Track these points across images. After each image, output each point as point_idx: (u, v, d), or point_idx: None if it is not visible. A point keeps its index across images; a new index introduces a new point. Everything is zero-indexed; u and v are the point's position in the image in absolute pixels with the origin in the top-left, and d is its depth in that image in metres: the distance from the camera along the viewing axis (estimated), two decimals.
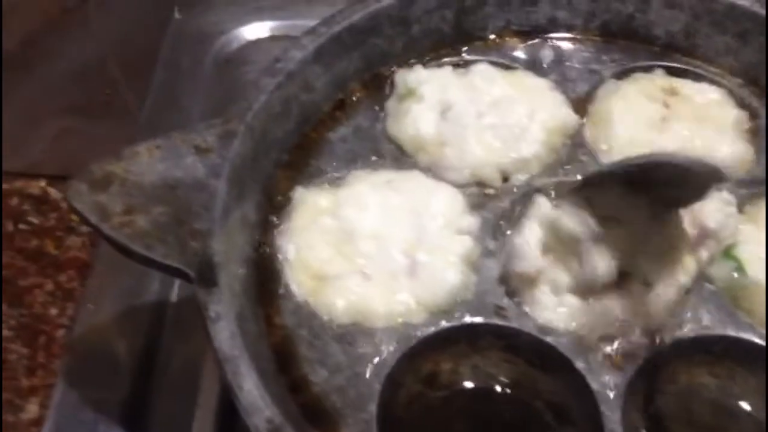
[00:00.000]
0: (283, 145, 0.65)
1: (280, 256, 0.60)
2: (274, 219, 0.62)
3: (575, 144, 0.67)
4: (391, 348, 0.56)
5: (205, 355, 0.69)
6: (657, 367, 0.56)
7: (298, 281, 0.58)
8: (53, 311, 1.31)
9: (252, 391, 0.48)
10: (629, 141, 0.67)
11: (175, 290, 0.74)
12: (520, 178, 0.65)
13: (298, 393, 0.53)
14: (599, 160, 0.66)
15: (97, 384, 0.69)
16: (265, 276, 0.59)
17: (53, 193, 1.47)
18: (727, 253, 0.60)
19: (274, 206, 0.62)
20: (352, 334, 0.56)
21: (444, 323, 0.57)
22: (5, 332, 1.29)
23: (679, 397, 0.57)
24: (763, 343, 0.56)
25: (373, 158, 0.66)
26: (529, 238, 0.58)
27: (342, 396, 0.53)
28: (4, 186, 1.47)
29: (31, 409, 1.21)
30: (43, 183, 1.47)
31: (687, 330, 0.57)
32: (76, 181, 0.56)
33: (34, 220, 1.44)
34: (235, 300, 0.53)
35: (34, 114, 1.46)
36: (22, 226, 1.42)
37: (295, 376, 0.54)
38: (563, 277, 0.57)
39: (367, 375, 0.54)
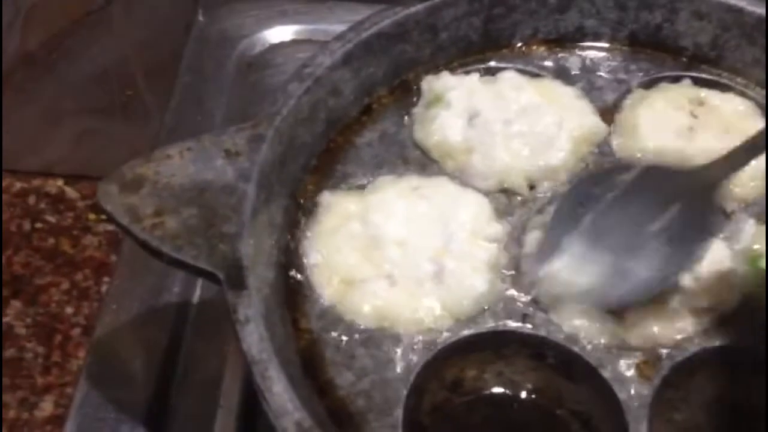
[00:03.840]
0: (311, 149, 0.65)
1: (307, 262, 0.60)
2: (302, 223, 0.62)
3: (602, 153, 0.67)
4: (417, 353, 0.56)
5: (227, 356, 0.69)
6: (684, 377, 0.56)
7: (325, 286, 0.59)
8: (69, 310, 1.32)
9: (281, 394, 0.48)
10: (656, 150, 0.67)
11: (197, 291, 0.74)
12: (546, 186, 0.65)
13: (324, 396, 0.53)
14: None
15: (119, 384, 0.69)
16: (293, 281, 0.59)
17: (70, 192, 1.48)
18: (753, 264, 0.60)
19: (301, 210, 0.62)
20: (377, 339, 0.56)
21: (469, 330, 0.57)
22: (21, 330, 1.30)
23: (706, 409, 0.57)
24: None
25: (400, 164, 0.66)
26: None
27: (368, 400, 0.53)
28: (23, 185, 1.48)
29: (46, 407, 1.22)
30: (60, 182, 1.48)
31: (714, 341, 0.57)
32: (106, 183, 0.56)
33: (51, 219, 1.45)
34: (262, 303, 0.53)
35: (54, 114, 1.47)
36: (38, 225, 1.42)
37: (321, 379, 0.54)
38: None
39: (393, 380, 0.54)
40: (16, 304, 1.34)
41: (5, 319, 1.29)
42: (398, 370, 0.55)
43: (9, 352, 1.27)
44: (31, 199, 1.46)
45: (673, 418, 0.56)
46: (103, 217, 1.57)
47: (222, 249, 0.54)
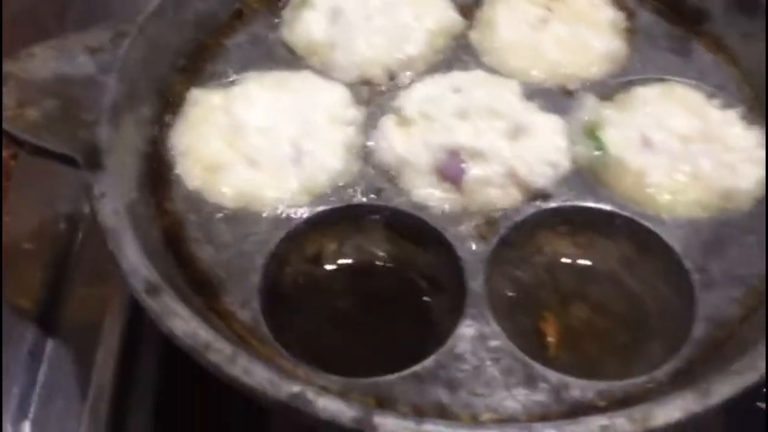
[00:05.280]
0: (179, 50, 0.68)
1: (173, 150, 0.63)
2: (169, 118, 0.65)
3: (460, 46, 0.71)
4: (276, 228, 0.60)
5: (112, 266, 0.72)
6: (520, 237, 0.61)
7: (189, 172, 0.62)
8: None
9: (132, 257, 0.52)
10: (510, 42, 0.71)
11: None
12: (406, 76, 0.69)
13: (185, 267, 0.57)
14: (481, 60, 0.70)
15: (12, 290, 0.72)
16: (158, 168, 0.62)
17: None
18: (591, 134, 0.65)
19: (169, 106, 0.66)
20: (239, 218, 0.60)
21: (326, 206, 0.61)
22: None
23: (544, 267, 0.62)
24: (620, 211, 0.61)
25: (268, 62, 0.70)
26: (388, 130, 0.63)
27: (227, 269, 0.58)
28: None
29: None
30: None
31: (549, 203, 0.61)
32: None
33: None
34: (124, 186, 0.57)
35: None
36: None
37: (182, 253, 0.58)
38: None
39: (252, 251, 0.59)
40: None
41: None
42: (257, 243, 0.59)
43: None
44: None
45: (514, 275, 0.61)
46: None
47: (81, 135, 0.57)
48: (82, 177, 0.77)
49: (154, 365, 0.65)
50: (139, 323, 0.67)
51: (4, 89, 0.59)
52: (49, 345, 0.68)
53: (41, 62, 0.61)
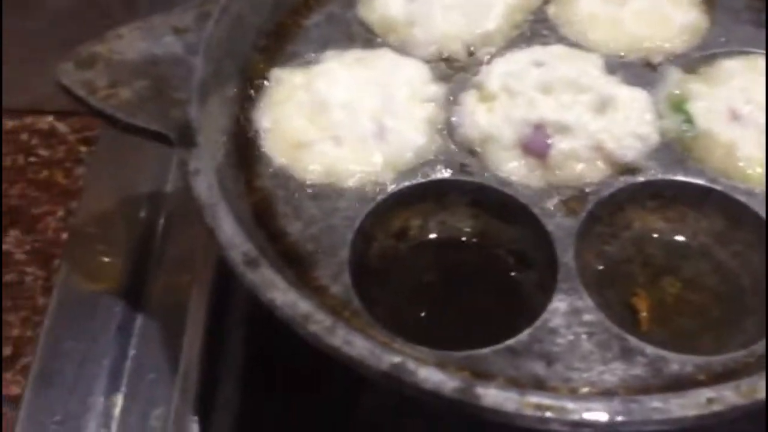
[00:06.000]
0: (259, 30, 0.69)
1: (258, 128, 0.64)
2: (252, 97, 0.66)
3: (538, 20, 0.71)
4: (362, 204, 0.60)
5: (197, 241, 0.74)
6: (609, 211, 0.60)
7: (275, 149, 0.63)
8: (65, 236, 1.38)
9: (229, 230, 0.53)
10: (589, 16, 0.71)
11: (169, 183, 0.79)
12: (484, 52, 0.68)
13: (276, 242, 0.58)
14: (560, 34, 0.70)
15: (97, 265, 0.74)
16: (244, 145, 0.63)
17: (61, 127, 1.53)
18: (678, 107, 0.64)
19: (251, 86, 0.66)
20: (325, 193, 0.61)
21: (410, 181, 0.61)
22: (21, 256, 1.37)
23: (633, 241, 0.61)
24: (711, 185, 0.60)
25: (345, 41, 0.70)
26: (471, 105, 0.63)
27: (316, 244, 0.58)
28: (14, 123, 1.53)
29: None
30: (51, 118, 1.53)
31: (638, 177, 0.61)
32: (63, 62, 0.60)
33: (44, 153, 1.51)
34: (213, 161, 0.58)
35: (35, 51, 1.51)
36: (32, 159, 1.48)
37: (272, 228, 0.59)
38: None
39: (340, 226, 0.59)
40: (14, 233, 1.40)
41: (4, 247, 1.36)
42: (345, 218, 0.59)
43: (9, 277, 1.34)
44: (24, 136, 1.52)
45: (603, 250, 0.60)
46: (94, 148, 1.62)
47: (173, 113, 0.58)
48: (160, 158, 0.80)
49: (240, 339, 0.67)
50: (225, 299, 0.68)
51: (95, 70, 0.60)
52: (138, 320, 0.69)
53: (129, 43, 0.61)
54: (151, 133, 0.58)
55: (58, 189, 1.46)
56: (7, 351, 1.29)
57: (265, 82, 0.66)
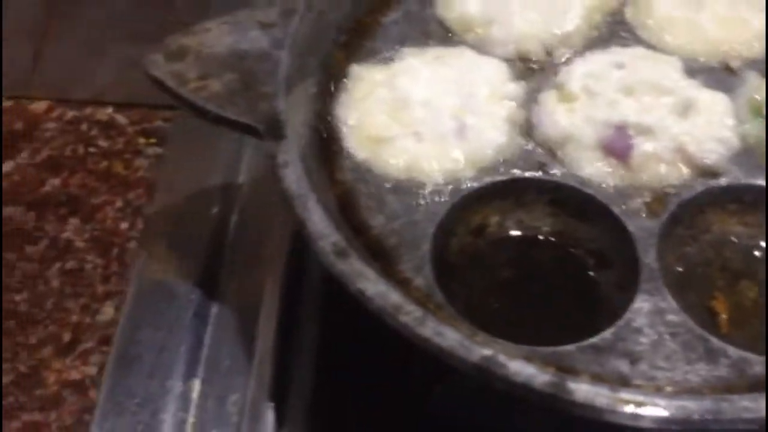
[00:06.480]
0: (339, 26, 0.70)
1: (340, 124, 0.65)
2: (334, 93, 0.67)
3: (616, 22, 0.71)
4: (443, 199, 0.61)
5: (270, 232, 0.75)
6: (690, 214, 0.60)
7: (356, 144, 0.64)
8: (124, 225, 1.41)
9: (319, 221, 0.54)
10: (667, 18, 0.71)
11: (242, 174, 0.80)
12: (562, 52, 0.69)
13: (360, 235, 0.59)
14: (638, 36, 0.70)
15: (174, 252, 0.75)
16: (326, 140, 0.64)
17: (120, 119, 1.56)
18: (758, 112, 0.64)
19: (333, 82, 0.67)
20: (407, 188, 0.62)
21: (490, 179, 0.62)
22: (81, 245, 1.40)
23: (712, 244, 0.61)
24: None
25: (423, 39, 0.71)
26: (551, 105, 0.63)
27: (399, 238, 0.59)
28: (75, 113, 1.56)
29: (107, 311, 1.31)
30: (110, 110, 1.56)
31: (719, 180, 0.61)
32: (152, 54, 0.62)
33: (103, 143, 1.54)
34: (301, 156, 0.59)
35: (98, 43, 1.54)
36: (92, 150, 1.51)
37: (356, 221, 0.60)
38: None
39: (421, 221, 0.60)
40: (74, 222, 1.44)
41: (64, 235, 1.39)
42: (426, 213, 0.60)
43: (69, 264, 1.36)
44: (84, 126, 1.55)
45: (683, 252, 0.61)
46: (153, 140, 1.65)
47: (261, 106, 0.59)
48: (231, 151, 0.82)
49: (314, 328, 0.68)
50: (298, 289, 0.70)
51: (185, 62, 0.61)
52: (214, 309, 0.71)
53: (217, 37, 0.63)
54: (240, 126, 0.59)
55: (116, 180, 1.49)
56: (66, 337, 1.32)
57: (345, 78, 0.67)
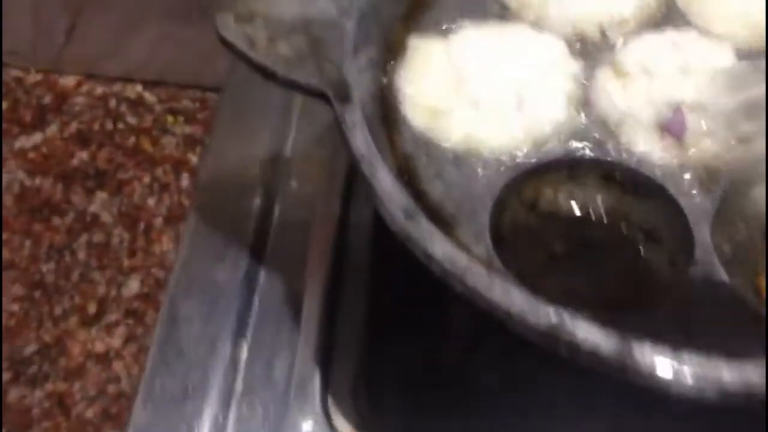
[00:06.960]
0: None
1: (399, 94, 0.66)
2: (394, 63, 0.68)
3: (668, 6, 0.72)
4: (500, 172, 0.62)
5: (314, 200, 0.76)
6: (741, 192, 0.62)
7: (415, 114, 0.65)
8: (151, 201, 1.42)
9: (387, 183, 0.55)
10: (718, 5, 0.72)
11: (290, 142, 0.81)
12: (617, 33, 0.70)
13: (420, 201, 0.60)
14: (690, 22, 0.71)
15: (225, 222, 0.76)
16: (387, 108, 0.65)
17: (148, 97, 1.58)
18: None
19: (391, 51, 0.68)
20: (465, 159, 0.63)
21: (547, 154, 0.63)
22: (108, 218, 1.41)
23: (758, 220, 0.62)
24: None
25: (480, 14, 0.72)
26: (608, 84, 0.64)
27: (458, 207, 0.60)
28: (104, 89, 1.58)
29: (133, 285, 1.33)
30: (139, 88, 1.58)
31: None
32: (223, 14, 0.63)
33: (132, 120, 1.55)
34: (367, 120, 0.60)
35: (132, 20, 1.55)
36: (120, 126, 1.53)
37: (415, 188, 0.61)
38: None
39: (479, 192, 0.61)
40: (101, 195, 1.45)
41: (91, 208, 1.40)
42: (484, 185, 0.61)
43: (97, 237, 1.38)
44: (112, 103, 1.57)
45: (732, 229, 0.62)
46: (181, 118, 1.67)
47: (329, 70, 0.60)
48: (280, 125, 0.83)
49: (359, 293, 0.69)
50: (343, 255, 0.71)
51: (253, 25, 0.62)
52: (262, 273, 0.72)
53: (286, 3, 0.64)
54: (308, 89, 0.60)
55: (143, 156, 1.51)
56: (91, 309, 1.33)
57: (405, 49, 0.68)
